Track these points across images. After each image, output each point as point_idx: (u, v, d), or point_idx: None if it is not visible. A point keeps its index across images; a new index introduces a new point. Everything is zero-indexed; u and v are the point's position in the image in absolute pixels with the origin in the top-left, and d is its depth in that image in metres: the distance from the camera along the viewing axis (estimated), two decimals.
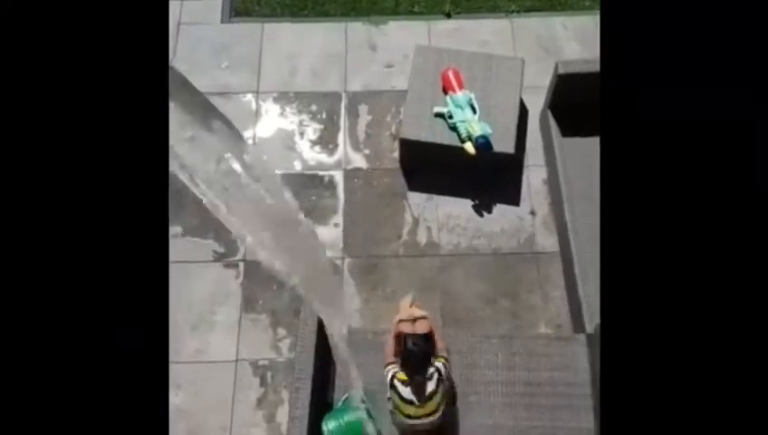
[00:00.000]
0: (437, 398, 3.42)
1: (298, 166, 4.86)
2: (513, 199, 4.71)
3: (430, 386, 3.39)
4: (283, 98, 5.12)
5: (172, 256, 4.42)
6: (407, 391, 3.40)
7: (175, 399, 4.01)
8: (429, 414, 3.43)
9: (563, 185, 4.39)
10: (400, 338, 3.46)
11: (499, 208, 4.68)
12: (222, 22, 5.41)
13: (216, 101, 5.05)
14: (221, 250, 4.57)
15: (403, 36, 5.31)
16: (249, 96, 5.13)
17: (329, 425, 3.51)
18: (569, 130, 4.53)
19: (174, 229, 4.60)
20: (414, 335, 3.40)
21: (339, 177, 4.81)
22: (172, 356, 4.10)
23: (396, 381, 3.44)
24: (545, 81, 4.79)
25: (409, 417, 3.46)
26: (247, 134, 4.97)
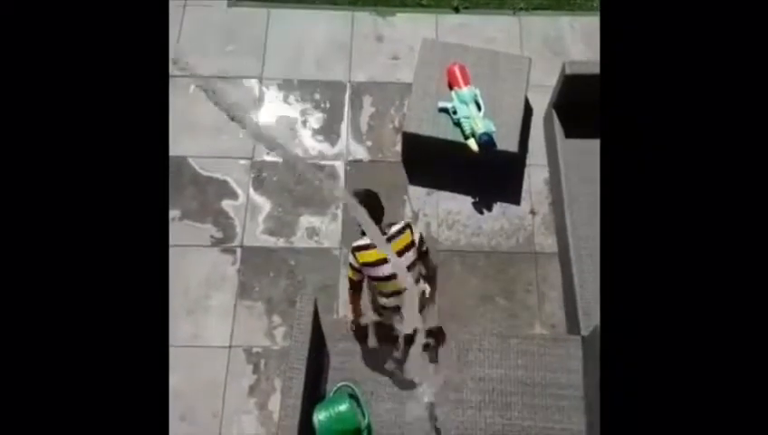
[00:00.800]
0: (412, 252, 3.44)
1: (299, 154, 4.84)
2: (514, 198, 4.71)
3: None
4: (286, 85, 5.10)
5: (170, 239, 4.43)
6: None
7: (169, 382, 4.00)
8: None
9: (564, 186, 4.38)
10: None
11: (499, 207, 4.68)
12: (228, 5, 5.38)
13: (218, 84, 5.10)
14: (219, 235, 4.56)
15: (410, 29, 5.29)
16: (253, 81, 5.10)
17: (319, 415, 3.52)
18: (573, 131, 4.52)
19: (172, 213, 4.59)
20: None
21: (340, 167, 4.80)
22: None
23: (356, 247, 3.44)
24: (550, 80, 4.77)
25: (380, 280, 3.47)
26: (249, 120, 4.96)
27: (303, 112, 5.00)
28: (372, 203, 3.36)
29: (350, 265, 3.51)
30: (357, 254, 3.45)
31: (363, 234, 3.42)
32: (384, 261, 3.38)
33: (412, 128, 4.63)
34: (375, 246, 3.37)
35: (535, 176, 4.78)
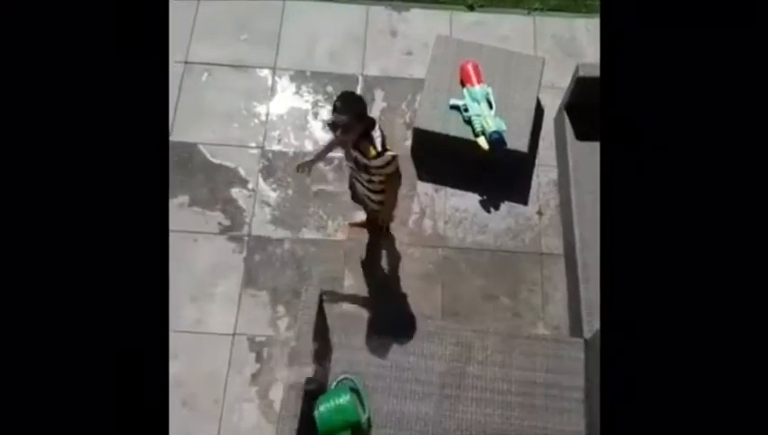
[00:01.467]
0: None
1: (309, 146, 4.85)
2: (522, 198, 4.71)
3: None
4: (299, 76, 5.10)
5: (177, 225, 4.47)
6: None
7: (171, 368, 4.01)
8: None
9: (573, 188, 4.39)
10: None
11: (507, 206, 4.68)
12: None
13: (231, 73, 5.12)
14: (227, 223, 4.57)
15: (424, 24, 5.30)
16: (266, 71, 5.11)
17: (320, 407, 3.53)
18: (583, 133, 4.52)
19: (181, 199, 4.60)
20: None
21: None
22: (171, 325, 4.10)
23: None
24: (562, 81, 4.78)
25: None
26: (260, 109, 4.96)
27: (315, 104, 5.00)
28: (360, 111, 3.40)
29: (390, 163, 3.50)
30: (387, 151, 3.47)
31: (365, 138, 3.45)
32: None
33: (423, 124, 4.63)
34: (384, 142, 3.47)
35: (544, 176, 4.78)
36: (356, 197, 4.11)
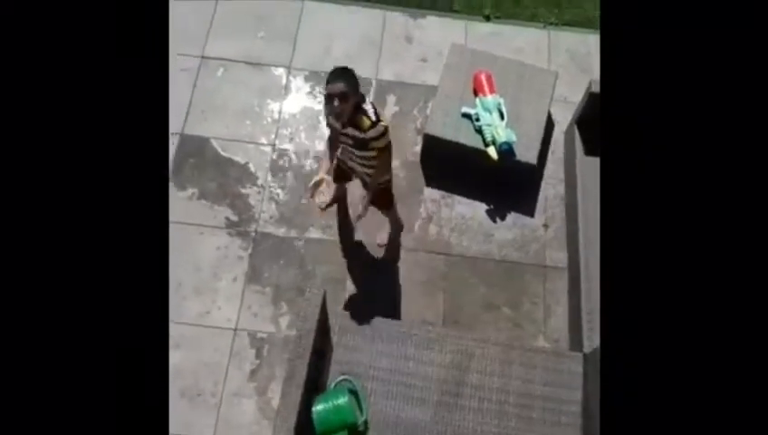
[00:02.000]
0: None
1: (320, 146, 4.88)
2: (528, 210, 4.73)
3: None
4: (313, 77, 5.13)
5: (185, 217, 4.49)
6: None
7: (171, 358, 4.03)
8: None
9: (580, 203, 4.41)
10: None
11: (513, 217, 4.70)
12: None
13: (247, 69, 5.14)
14: (234, 218, 4.59)
15: (440, 33, 5.33)
16: (281, 70, 5.13)
17: (317, 406, 3.55)
18: (593, 149, 4.54)
19: (190, 191, 4.63)
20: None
21: None
22: (174, 316, 4.14)
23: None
24: (574, 95, 4.81)
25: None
26: (274, 107, 4.99)
27: None
28: (356, 82, 3.43)
29: (383, 134, 3.53)
30: (381, 121, 3.50)
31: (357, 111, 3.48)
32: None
33: (434, 130, 4.66)
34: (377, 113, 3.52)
35: (551, 189, 4.80)
36: (339, 178, 4.15)
